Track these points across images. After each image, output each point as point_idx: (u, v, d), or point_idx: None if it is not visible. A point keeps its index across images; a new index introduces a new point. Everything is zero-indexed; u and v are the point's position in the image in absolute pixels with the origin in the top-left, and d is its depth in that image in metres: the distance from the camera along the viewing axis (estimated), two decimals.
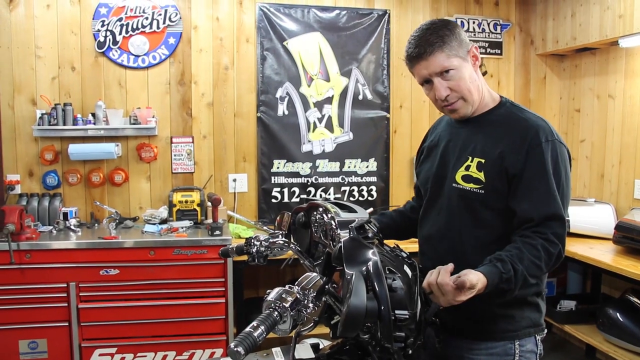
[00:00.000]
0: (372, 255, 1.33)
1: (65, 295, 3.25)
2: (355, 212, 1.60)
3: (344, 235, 1.44)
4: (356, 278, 1.25)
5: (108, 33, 3.78)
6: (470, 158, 1.68)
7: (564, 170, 1.59)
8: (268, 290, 1.31)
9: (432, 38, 1.59)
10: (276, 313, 1.24)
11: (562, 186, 1.57)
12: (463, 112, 1.68)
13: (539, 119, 1.64)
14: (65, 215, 3.66)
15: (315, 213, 1.67)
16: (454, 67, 1.60)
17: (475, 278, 1.37)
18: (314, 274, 1.40)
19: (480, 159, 1.65)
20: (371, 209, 4.11)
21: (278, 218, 1.97)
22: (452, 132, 1.81)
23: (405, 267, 1.46)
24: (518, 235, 1.55)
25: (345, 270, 1.30)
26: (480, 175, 1.64)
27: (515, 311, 1.66)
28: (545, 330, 1.77)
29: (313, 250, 1.78)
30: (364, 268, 1.29)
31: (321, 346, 1.73)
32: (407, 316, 1.29)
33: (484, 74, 4.37)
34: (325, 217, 1.57)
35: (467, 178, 1.67)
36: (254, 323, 1.20)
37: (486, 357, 1.66)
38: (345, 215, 1.55)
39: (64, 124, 3.64)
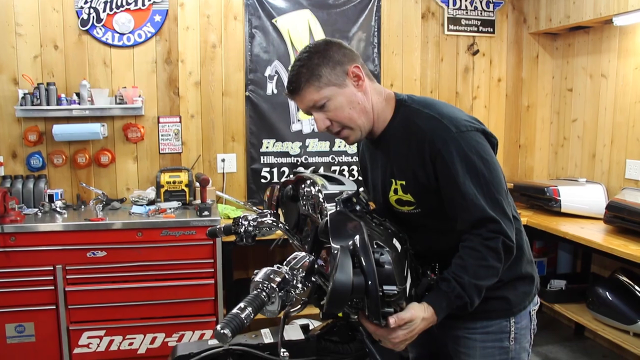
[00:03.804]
0: (359, 228, 1.29)
1: (52, 278, 3.20)
2: (343, 184, 1.56)
3: (331, 208, 1.40)
4: (342, 253, 1.22)
5: (91, 10, 3.68)
6: (393, 181, 1.60)
7: (478, 157, 1.47)
8: (256, 271, 1.28)
9: (302, 71, 1.50)
10: (264, 294, 1.21)
11: (481, 176, 1.46)
12: (354, 139, 1.60)
13: (431, 120, 1.51)
14: (51, 197, 3.60)
15: (303, 186, 1.64)
16: (327, 98, 1.51)
17: (408, 315, 1.34)
18: (303, 253, 1.37)
19: (401, 181, 1.58)
20: (363, 188, 4.08)
21: (267, 192, 1.93)
22: (371, 154, 1.75)
23: (395, 241, 1.43)
24: (460, 241, 1.49)
25: (331, 244, 1.26)
26: (409, 197, 1.58)
27: (508, 292, 1.63)
28: (538, 302, 1.76)
29: (302, 225, 1.76)
30: (350, 242, 1.25)
31: (311, 327, 1.71)
32: (396, 292, 1.26)
33: (476, 52, 4.33)
34: (313, 190, 1.54)
35: (400, 202, 1.61)
36: (241, 304, 1.17)
37: (482, 335, 1.64)
38: (332, 188, 1.52)
39: (48, 104, 3.55)
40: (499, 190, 1.48)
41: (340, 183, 1.57)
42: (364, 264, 1.22)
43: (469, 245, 1.45)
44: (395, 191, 1.60)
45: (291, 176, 1.81)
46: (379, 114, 1.60)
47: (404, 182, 1.57)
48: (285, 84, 1.58)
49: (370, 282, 1.20)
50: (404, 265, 1.37)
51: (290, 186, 1.77)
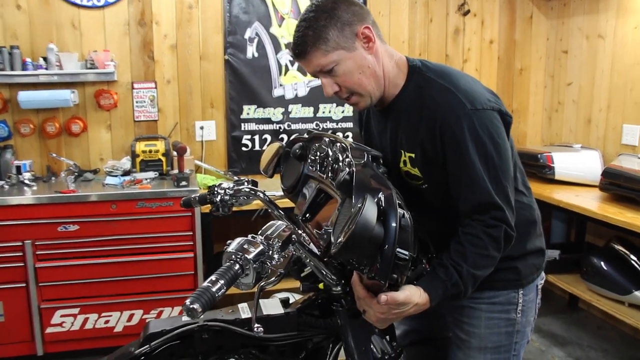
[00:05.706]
0: (386, 185, 1.25)
1: (21, 254, 3.07)
2: (367, 147, 1.53)
3: (357, 161, 1.36)
4: (369, 200, 1.18)
5: None
6: (402, 152, 1.53)
7: (490, 139, 1.40)
8: (229, 241, 1.22)
9: (308, 34, 1.41)
10: (237, 265, 1.16)
11: (490, 159, 1.40)
12: (363, 105, 1.52)
13: (446, 92, 1.43)
14: (19, 168, 3.43)
15: (317, 145, 1.57)
16: (335, 63, 1.42)
17: (402, 297, 1.29)
18: (280, 222, 1.31)
19: (409, 153, 1.51)
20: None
21: (271, 149, 1.83)
22: (378, 122, 1.66)
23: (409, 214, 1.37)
24: (460, 226, 1.43)
25: (354, 195, 1.24)
26: (416, 171, 1.51)
27: (518, 263, 1.58)
28: (544, 276, 1.73)
29: (300, 186, 1.70)
30: (375, 198, 1.20)
31: (292, 301, 1.66)
32: (407, 257, 1.21)
33: (466, 13, 4.16)
34: (330, 149, 1.48)
35: (408, 175, 1.54)
36: (212, 277, 1.12)
37: (488, 305, 1.60)
38: (357, 146, 1.47)
39: (12, 69, 3.35)
40: (505, 177, 1.43)
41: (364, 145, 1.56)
42: (389, 218, 1.18)
43: (471, 232, 1.40)
44: (405, 163, 1.53)
45: (305, 134, 1.74)
46: (390, 80, 1.51)
47: (412, 155, 1.50)
48: (291, 45, 1.49)
49: (390, 238, 1.17)
50: (414, 239, 1.31)
51: (301, 144, 1.69)
